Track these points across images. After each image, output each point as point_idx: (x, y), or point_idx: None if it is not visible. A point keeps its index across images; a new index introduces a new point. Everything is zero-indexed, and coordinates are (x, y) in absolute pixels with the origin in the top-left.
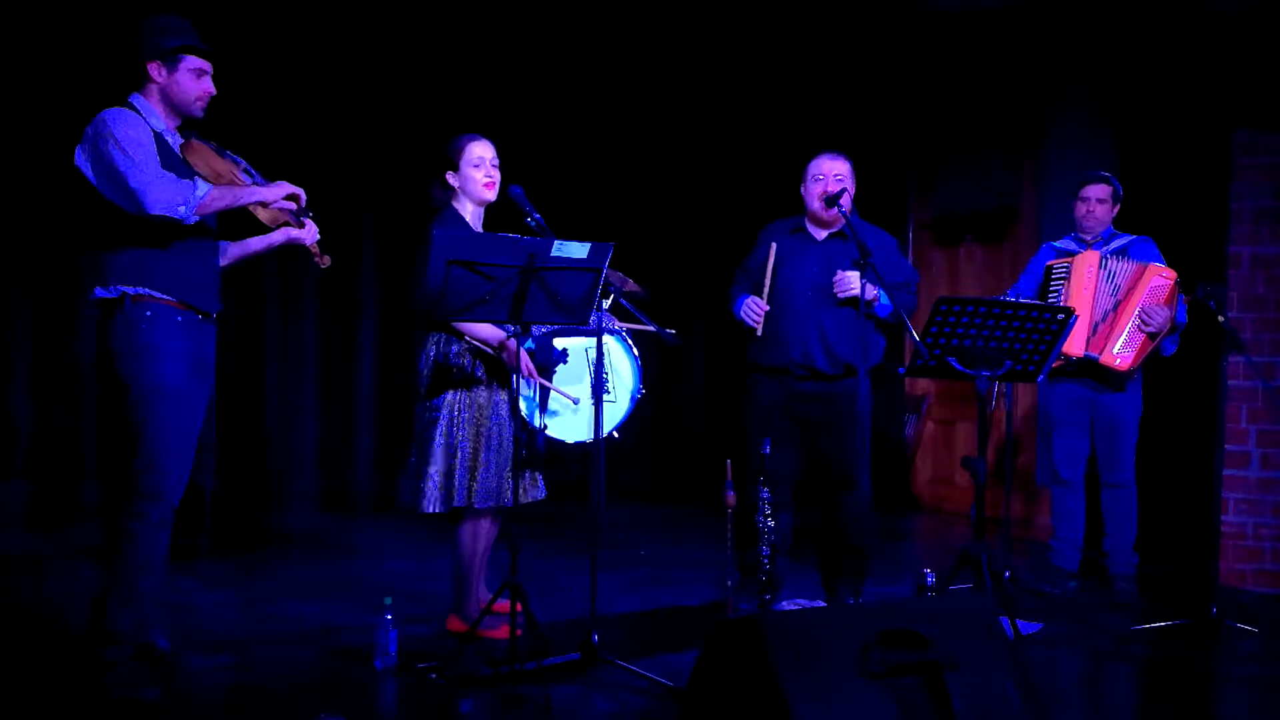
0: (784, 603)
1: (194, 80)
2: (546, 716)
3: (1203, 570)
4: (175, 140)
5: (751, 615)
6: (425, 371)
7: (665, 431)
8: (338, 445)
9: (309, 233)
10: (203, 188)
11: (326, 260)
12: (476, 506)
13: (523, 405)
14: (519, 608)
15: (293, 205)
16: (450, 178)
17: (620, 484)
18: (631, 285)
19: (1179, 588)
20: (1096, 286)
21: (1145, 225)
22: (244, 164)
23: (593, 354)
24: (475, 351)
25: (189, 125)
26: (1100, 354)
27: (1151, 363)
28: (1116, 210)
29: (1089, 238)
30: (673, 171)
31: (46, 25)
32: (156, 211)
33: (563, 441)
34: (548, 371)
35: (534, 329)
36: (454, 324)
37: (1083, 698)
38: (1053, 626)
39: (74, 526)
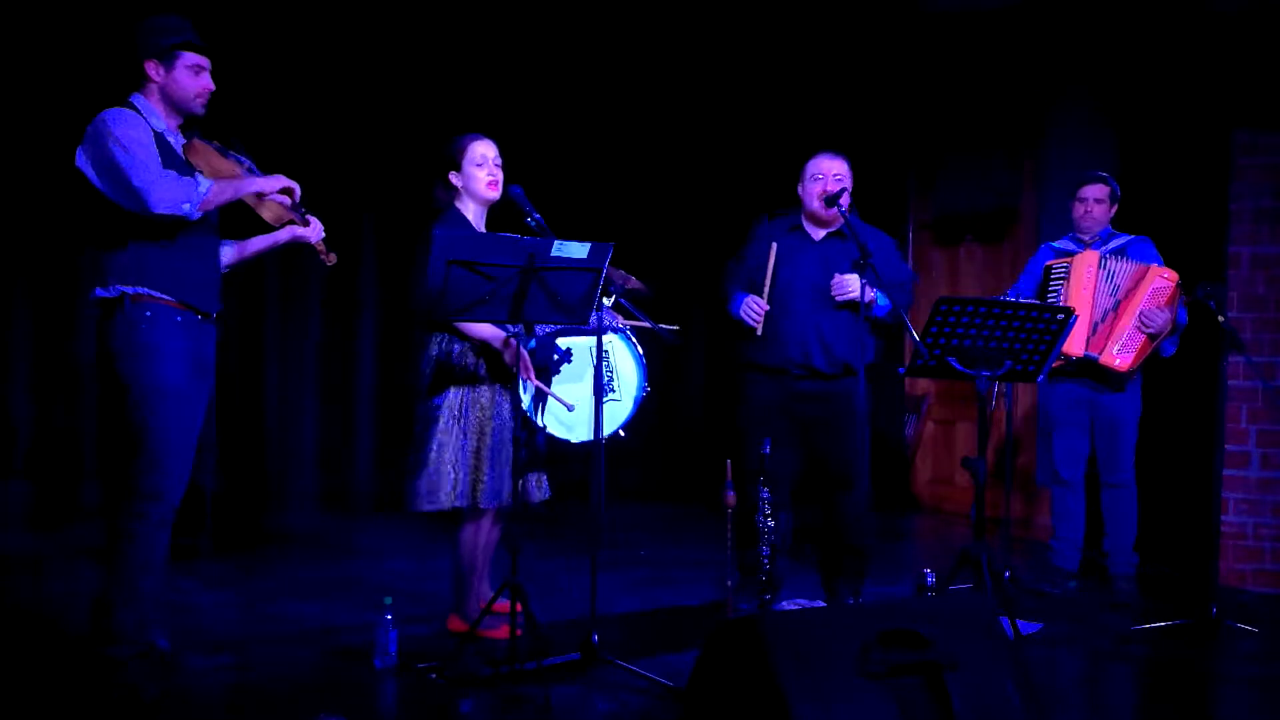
0: (784, 603)
1: (192, 77)
2: (546, 716)
3: (1203, 570)
4: (177, 140)
5: (751, 615)
6: (427, 371)
7: (666, 431)
8: (338, 445)
9: (314, 230)
10: (205, 184)
11: (332, 257)
12: (480, 507)
13: (524, 401)
14: (519, 608)
15: (287, 200)
16: (453, 178)
17: (620, 484)
18: (634, 283)
19: (1179, 588)
20: (1096, 286)
21: (1145, 225)
22: (248, 163)
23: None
24: (478, 351)
25: (192, 124)
26: (1100, 354)
27: (1151, 363)
28: (1114, 210)
29: (1087, 238)
30: (674, 172)
31: (47, 25)
32: (161, 210)
33: (567, 441)
34: (547, 372)
35: (537, 329)
36: (455, 324)
37: (1083, 698)
38: (1053, 626)
39: (74, 526)
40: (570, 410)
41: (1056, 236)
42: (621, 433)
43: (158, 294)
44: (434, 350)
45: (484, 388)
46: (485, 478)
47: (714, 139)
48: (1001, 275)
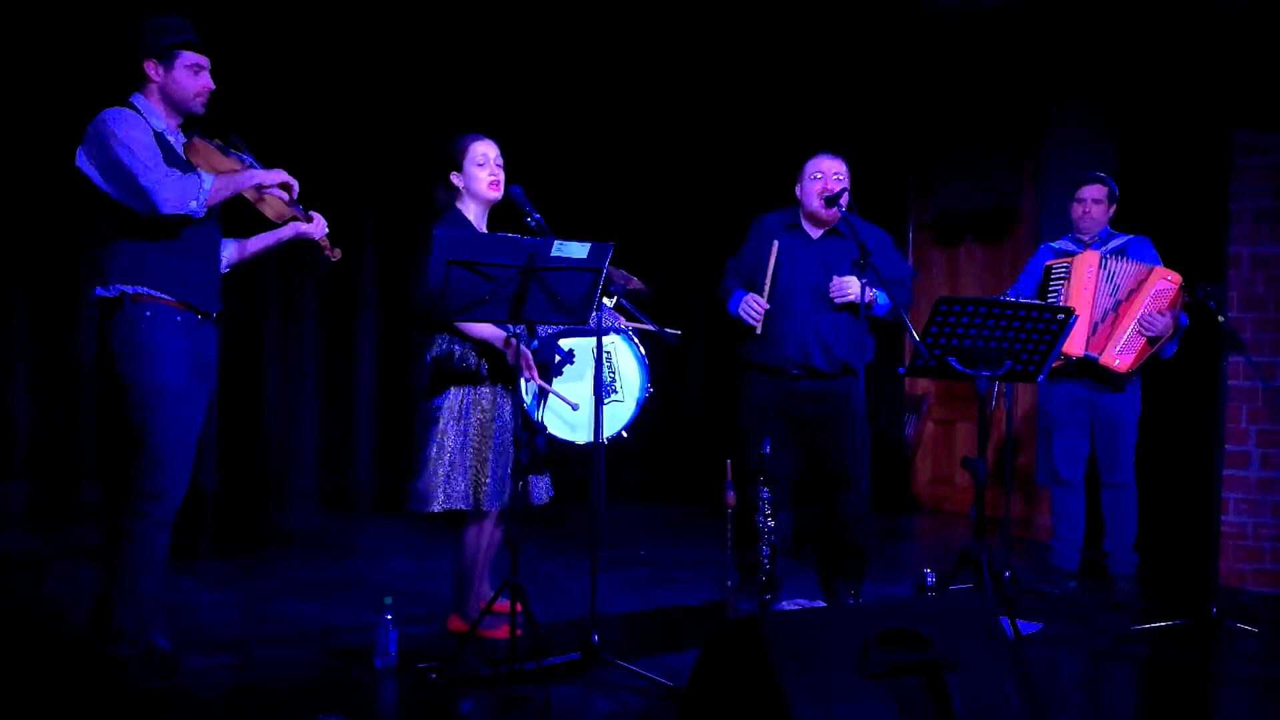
0: (784, 603)
1: (191, 76)
2: (546, 716)
3: (1203, 570)
4: (178, 139)
5: (751, 615)
6: (428, 371)
7: (666, 431)
8: (338, 445)
9: (317, 226)
10: (208, 180)
11: (337, 253)
12: (483, 509)
13: (526, 401)
14: (519, 608)
15: (285, 195)
16: (454, 178)
17: (621, 484)
18: (635, 283)
19: (1179, 588)
20: (1096, 286)
21: (1145, 225)
22: (249, 160)
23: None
24: (480, 351)
25: (193, 124)
26: (1100, 354)
27: (1151, 363)
28: (1113, 210)
29: (1086, 238)
30: (674, 172)
31: (47, 25)
32: (169, 211)
33: (570, 442)
34: (548, 371)
35: (539, 329)
36: (456, 324)
37: (1083, 698)
38: (1053, 626)
39: (74, 526)
40: (575, 409)
41: (1057, 236)
42: (624, 434)
43: (158, 294)
44: (435, 351)
45: (485, 389)
46: (487, 480)
47: (714, 139)
48: (1001, 275)
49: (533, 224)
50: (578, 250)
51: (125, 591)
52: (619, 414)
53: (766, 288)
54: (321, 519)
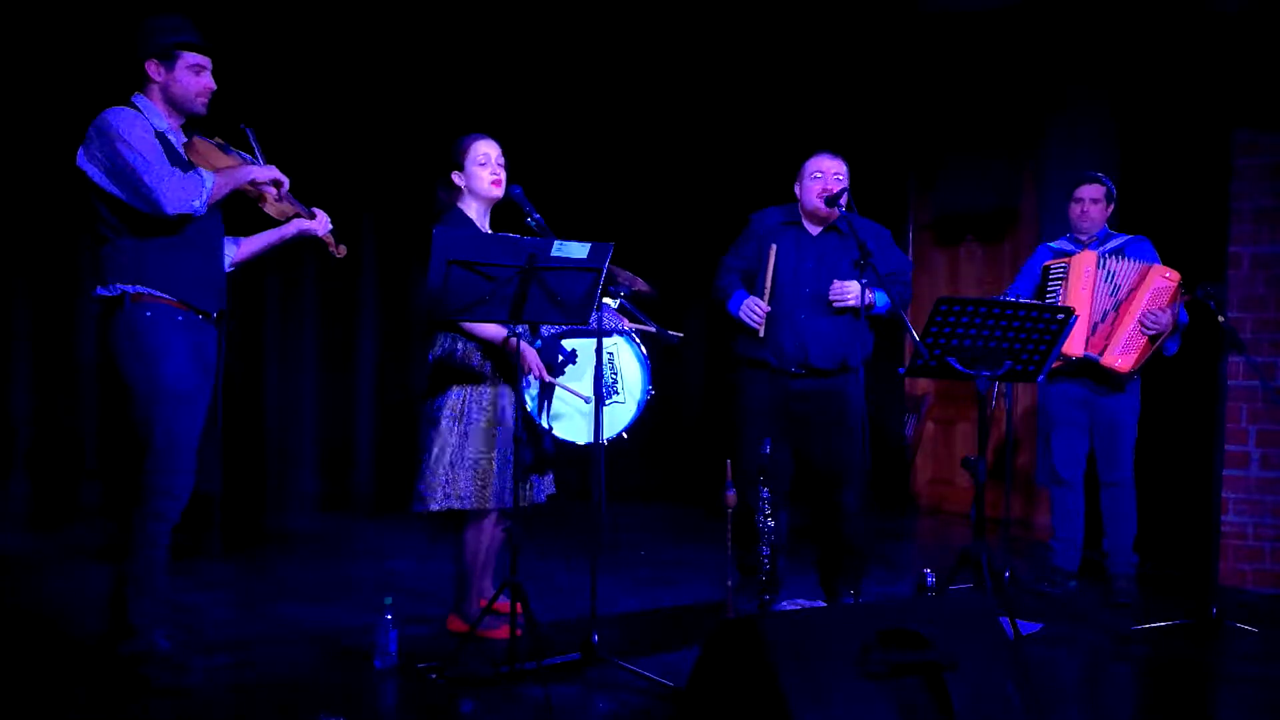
0: (784, 603)
1: (192, 76)
2: (546, 716)
3: (1203, 570)
4: (179, 139)
5: (751, 615)
6: (431, 370)
7: (666, 431)
8: (338, 445)
9: (320, 223)
10: (209, 178)
11: (342, 250)
12: (484, 508)
13: (528, 402)
14: (519, 608)
15: (273, 191)
16: (456, 177)
17: (621, 484)
18: (641, 285)
19: (1179, 588)
20: (1095, 286)
21: (1145, 225)
22: (248, 158)
23: (603, 353)
24: (483, 350)
25: (194, 124)
26: (1100, 355)
27: (1151, 362)
28: (1111, 210)
29: (1085, 238)
30: (674, 172)
31: (48, 25)
32: (173, 210)
33: (573, 443)
34: (552, 372)
35: (543, 329)
36: (458, 323)
37: (1083, 698)
38: (1053, 626)
39: (74, 526)
40: (587, 402)
41: (1057, 236)
42: (625, 435)
43: (158, 293)
44: (438, 349)
45: (486, 388)
46: (489, 480)
47: (714, 139)
48: (1002, 275)
49: (533, 224)
50: (578, 250)
51: (141, 590)
52: (621, 416)
53: (766, 290)
54: (322, 519)
